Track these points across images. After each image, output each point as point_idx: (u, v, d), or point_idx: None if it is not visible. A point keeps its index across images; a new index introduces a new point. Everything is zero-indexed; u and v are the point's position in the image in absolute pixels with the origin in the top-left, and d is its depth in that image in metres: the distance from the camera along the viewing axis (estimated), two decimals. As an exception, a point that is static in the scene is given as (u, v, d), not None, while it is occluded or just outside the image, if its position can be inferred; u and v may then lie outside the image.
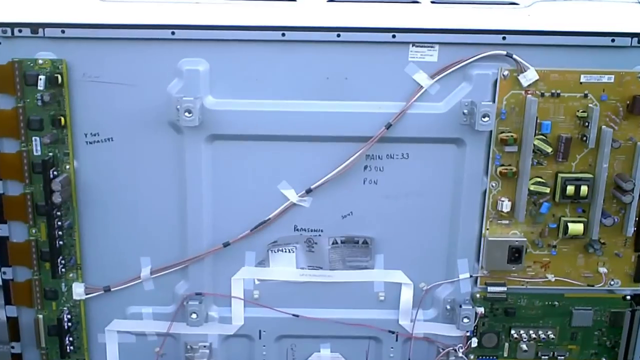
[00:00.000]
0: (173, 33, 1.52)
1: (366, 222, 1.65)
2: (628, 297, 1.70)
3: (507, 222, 1.62)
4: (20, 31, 1.51)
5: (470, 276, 1.66)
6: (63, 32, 1.52)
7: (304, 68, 1.55)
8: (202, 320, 1.67)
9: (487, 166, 1.59)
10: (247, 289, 1.70)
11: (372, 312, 1.71)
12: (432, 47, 1.53)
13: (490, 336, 1.71)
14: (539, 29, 1.53)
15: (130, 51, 1.53)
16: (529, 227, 1.62)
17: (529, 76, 1.52)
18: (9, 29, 1.51)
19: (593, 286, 1.67)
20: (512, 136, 1.54)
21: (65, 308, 1.69)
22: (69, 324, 1.69)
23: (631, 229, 1.61)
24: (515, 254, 1.61)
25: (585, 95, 1.53)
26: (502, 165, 1.58)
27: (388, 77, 1.55)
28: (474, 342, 1.70)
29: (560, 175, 1.57)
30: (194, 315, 1.65)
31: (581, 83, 1.53)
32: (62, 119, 1.55)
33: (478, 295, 1.67)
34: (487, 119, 1.49)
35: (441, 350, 1.71)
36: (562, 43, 1.53)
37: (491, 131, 1.56)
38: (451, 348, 1.70)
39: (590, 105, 1.53)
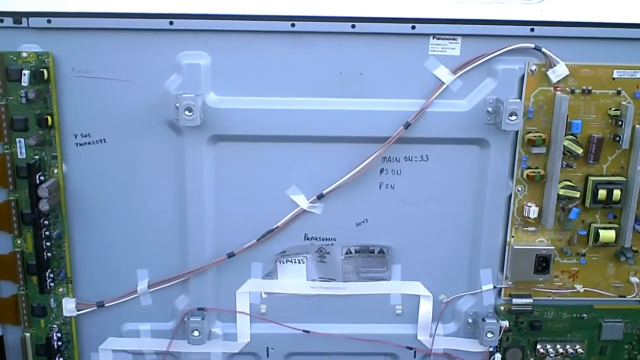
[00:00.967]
0: (171, 23, 1.39)
1: (382, 229, 1.53)
2: (661, 309, 1.63)
3: (533, 229, 1.51)
4: (1, 21, 1.39)
5: (494, 287, 1.55)
6: (49, 21, 1.39)
7: (315, 62, 1.43)
8: (205, 338, 1.54)
9: (512, 169, 1.48)
10: (254, 303, 1.57)
11: (389, 327, 1.59)
12: (454, 39, 1.42)
13: (514, 351, 1.60)
14: (570, 20, 1.42)
15: (124, 43, 1.41)
16: (557, 235, 1.52)
17: (558, 71, 1.41)
18: (-12, 19, 1.42)
19: (624, 297, 1.57)
20: (540, 136, 1.43)
21: (54, 326, 1.55)
22: (59, 343, 1.56)
23: (667, 237, 1.55)
24: (543, 264, 1.51)
25: (619, 92, 1.43)
26: (529, 168, 1.47)
27: (406, 73, 1.44)
28: (498, 357, 1.59)
29: (590, 178, 1.47)
30: (195, 333, 1.52)
31: (614, 79, 1.43)
32: (49, 118, 1.42)
33: (502, 308, 1.56)
34: (514, 117, 1.38)
35: (463, 366, 1.64)
36: (594, 35, 1.43)
37: (517, 131, 1.45)
38: (473, 364, 1.63)
39: (623, 102, 1.43)
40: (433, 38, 1.42)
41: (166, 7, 1.40)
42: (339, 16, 1.41)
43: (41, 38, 1.40)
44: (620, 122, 1.44)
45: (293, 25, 1.41)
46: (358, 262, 1.56)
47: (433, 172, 1.49)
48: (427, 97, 1.44)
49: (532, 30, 1.41)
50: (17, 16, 1.39)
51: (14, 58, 1.39)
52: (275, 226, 1.51)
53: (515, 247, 1.51)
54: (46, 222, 1.47)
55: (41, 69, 1.39)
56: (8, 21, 1.39)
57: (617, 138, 1.45)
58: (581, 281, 1.55)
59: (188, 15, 1.40)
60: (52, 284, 1.51)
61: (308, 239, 1.54)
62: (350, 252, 1.55)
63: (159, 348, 1.59)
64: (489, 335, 1.53)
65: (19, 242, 1.48)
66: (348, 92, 1.45)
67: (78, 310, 1.55)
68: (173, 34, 1.41)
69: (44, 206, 1.42)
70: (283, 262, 1.56)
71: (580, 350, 1.61)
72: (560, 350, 1.61)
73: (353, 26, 1.41)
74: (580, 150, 1.44)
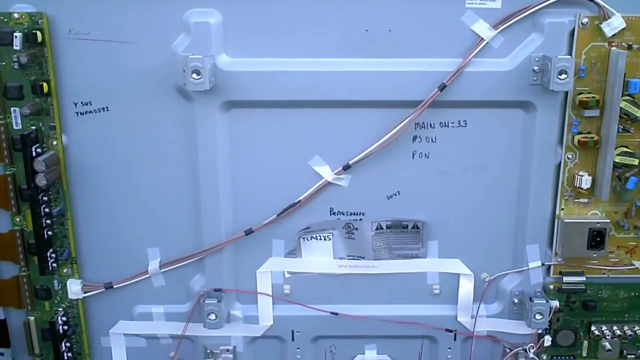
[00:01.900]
0: None
1: (416, 203, 1.45)
2: None
3: (585, 200, 1.43)
4: (-11, -21, 1.33)
5: (542, 264, 1.47)
6: None
7: (338, 19, 1.35)
8: (223, 322, 1.48)
9: (562, 134, 1.39)
10: (276, 284, 1.51)
11: (426, 308, 1.53)
12: (494, -11, 1.35)
13: (566, 333, 1.53)
14: (628, -38, 1.33)
15: (126, 1, 1.34)
16: (613, 207, 1.44)
17: (613, 24, 1.33)
18: (-26, -23, 1.33)
19: (687, 273, 1.51)
20: (593, 97, 1.34)
21: (60, 309, 1.50)
22: (65, 327, 1.51)
23: None
24: (597, 238, 1.43)
25: (681, 46, 1.35)
26: (581, 133, 1.38)
27: (441, 29, 1.36)
28: (547, 340, 1.52)
29: (651, 143, 1.40)
30: (212, 316, 1.46)
31: (677, 31, 1.35)
32: (45, 84, 1.35)
33: (551, 287, 1.49)
34: (564, 76, 1.29)
35: (508, 351, 1.53)
36: (654, -18, 1.34)
37: (567, 93, 1.36)
38: (520, 348, 1.52)
39: (686, 58, 1.35)
40: (471, -12, 1.36)
41: (171, -40, 1.34)
42: (364, -35, 1.34)
43: (34, -3, 1.36)
44: (683, 80, 1.36)
45: None
46: (390, 239, 1.48)
47: (472, 139, 1.41)
48: (464, 55, 1.35)
49: None
50: (6, -28, 1.34)
51: (5, 19, 1.34)
52: (297, 200, 1.43)
53: (566, 220, 1.42)
54: (45, 198, 1.41)
55: (34, 31, 1.33)
56: (-4, -22, 1.34)
57: (681, 98, 1.37)
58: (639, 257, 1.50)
59: (195, -32, 1.34)
60: (54, 265, 1.46)
61: (334, 214, 1.46)
62: (381, 228, 1.47)
63: (174, 332, 1.53)
64: (538, 316, 1.45)
65: (17, 220, 1.43)
66: (375, 52, 1.36)
67: (84, 293, 1.49)
68: (179, -10, 1.35)
69: (40, 181, 1.35)
70: (307, 239, 1.49)
71: (639, 332, 1.54)
72: (618, 332, 1.53)
73: None
74: (639, 113, 1.34)
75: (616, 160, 1.37)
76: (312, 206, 1.45)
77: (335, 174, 1.42)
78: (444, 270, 1.50)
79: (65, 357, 1.54)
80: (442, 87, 1.34)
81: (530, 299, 1.47)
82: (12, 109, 1.37)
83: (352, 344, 1.57)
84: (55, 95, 1.37)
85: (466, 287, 1.50)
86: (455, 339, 1.54)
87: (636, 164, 1.38)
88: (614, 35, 1.33)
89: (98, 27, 1.35)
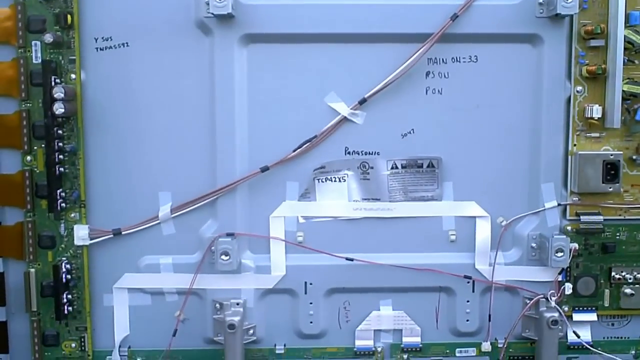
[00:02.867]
0: None
1: (431, 141, 1.46)
2: None
3: (597, 135, 1.44)
4: None
5: (558, 205, 1.46)
6: None
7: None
8: (236, 263, 1.43)
9: (569, 68, 1.43)
10: (289, 231, 1.48)
11: (443, 256, 1.50)
12: None
13: (586, 280, 1.49)
14: None
15: None
16: (624, 142, 1.46)
17: None
18: None
19: None
20: (598, 25, 1.39)
21: (64, 258, 1.44)
22: (68, 276, 1.44)
23: None
24: (611, 171, 1.43)
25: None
26: (588, 65, 1.43)
27: None
28: (568, 287, 1.47)
29: (655, 72, 1.45)
30: (225, 257, 1.41)
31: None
32: (69, 16, 1.38)
33: (569, 228, 1.47)
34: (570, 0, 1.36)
35: (528, 301, 1.48)
36: None
37: (572, 25, 1.42)
38: (541, 296, 1.47)
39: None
40: None
41: None
42: None
43: None
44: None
45: None
46: (405, 179, 1.48)
47: (483, 75, 1.45)
48: (473, -11, 1.45)
49: None
50: None
51: (31, -49, 1.41)
52: (313, 136, 1.44)
53: (580, 152, 1.44)
54: (60, 132, 1.40)
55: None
56: None
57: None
58: (656, 194, 1.51)
59: None
60: (63, 205, 1.42)
61: (349, 153, 1.46)
62: (397, 167, 1.47)
63: (181, 285, 1.47)
64: (559, 254, 1.43)
65: (28, 159, 1.41)
66: (391, -14, 1.46)
67: (91, 239, 1.44)
68: None
69: (59, 109, 1.34)
70: (322, 181, 1.48)
71: (660, 275, 1.53)
72: (639, 276, 1.50)
73: None
74: (642, 40, 1.43)
75: (624, 89, 1.41)
76: (327, 145, 1.46)
77: (351, 109, 1.44)
78: (460, 214, 1.48)
79: (65, 312, 1.44)
80: (454, 17, 1.40)
81: (552, 236, 1.43)
82: (32, 42, 1.39)
83: (367, 299, 1.52)
84: (77, 28, 1.40)
85: (483, 231, 1.48)
86: (473, 291, 1.50)
87: (644, 93, 1.44)
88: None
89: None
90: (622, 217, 1.47)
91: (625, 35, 1.40)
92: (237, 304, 1.47)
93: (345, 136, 1.45)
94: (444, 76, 1.44)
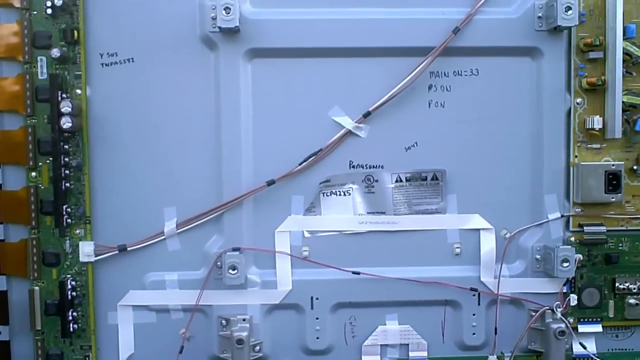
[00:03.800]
0: None
1: (434, 154, 1.49)
2: None
3: (598, 146, 1.48)
4: None
5: (562, 216, 1.49)
6: None
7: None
8: (243, 277, 1.44)
9: (569, 80, 1.48)
10: (295, 245, 1.50)
11: (448, 270, 1.52)
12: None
13: (591, 291, 1.51)
14: None
15: None
16: (624, 153, 1.49)
17: None
18: None
19: None
20: (597, 37, 1.44)
21: (69, 275, 1.45)
22: (73, 293, 1.45)
23: None
24: (613, 182, 1.47)
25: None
26: (587, 76, 1.47)
27: None
28: (573, 299, 1.49)
29: (653, 83, 1.50)
30: (233, 272, 1.42)
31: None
32: (76, 32, 1.40)
33: (572, 239, 1.50)
34: (570, 12, 1.40)
35: (533, 314, 1.49)
36: None
37: (570, 39, 1.47)
38: (547, 307, 1.49)
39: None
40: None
41: None
42: None
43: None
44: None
45: None
46: (409, 192, 1.50)
47: (485, 87, 1.49)
48: (473, 4, 1.46)
49: None
50: None
51: (39, -33, 1.44)
52: (318, 149, 1.46)
53: (582, 163, 1.47)
54: (66, 146, 1.41)
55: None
56: None
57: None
58: (656, 205, 1.55)
59: None
60: (68, 221, 1.43)
61: (354, 166, 1.49)
62: (401, 180, 1.50)
63: (186, 302, 1.47)
64: (565, 264, 1.45)
65: (33, 175, 1.42)
66: (392, 1, 1.47)
67: (97, 255, 1.45)
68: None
69: (66, 123, 1.36)
70: (327, 195, 1.50)
71: (663, 285, 1.56)
72: (642, 286, 1.56)
73: None
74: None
75: (623, 100, 1.45)
76: (331, 159, 1.48)
77: (355, 122, 1.47)
78: (464, 227, 1.51)
79: (70, 329, 1.44)
80: (456, 30, 1.45)
81: (556, 246, 1.45)
82: (38, 57, 1.41)
83: (373, 314, 1.53)
84: (83, 44, 1.42)
85: (488, 244, 1.50)
86: (479, 304, 1.51)
87: (643, 103, 1.49)
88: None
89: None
90: (624, 228, 1.50)
91: (623, 47, 1.44)
92: (244, 319, 1.47)
93: (350, 150, 1.48)
94: (446, 89, 1.48)
